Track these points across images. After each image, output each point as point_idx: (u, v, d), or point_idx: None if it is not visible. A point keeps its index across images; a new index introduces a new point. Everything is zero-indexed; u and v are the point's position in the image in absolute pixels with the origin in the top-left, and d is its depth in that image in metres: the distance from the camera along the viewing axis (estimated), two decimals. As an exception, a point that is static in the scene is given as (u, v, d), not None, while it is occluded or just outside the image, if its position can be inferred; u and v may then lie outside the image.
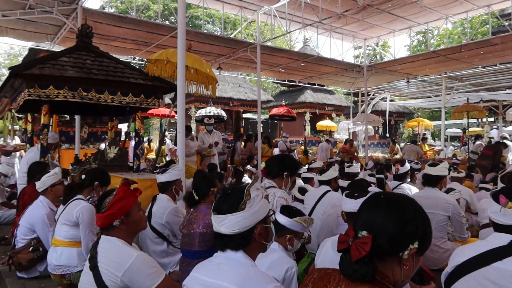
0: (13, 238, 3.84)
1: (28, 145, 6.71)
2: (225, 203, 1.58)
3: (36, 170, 4.62)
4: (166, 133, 13.40)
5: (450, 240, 3.84)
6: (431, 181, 3.86)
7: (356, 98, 20.71)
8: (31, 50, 13.39)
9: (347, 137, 18.96)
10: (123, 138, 12.22)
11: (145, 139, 13.41)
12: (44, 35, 10.38)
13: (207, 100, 15.84)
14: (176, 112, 4.99)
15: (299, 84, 20.04)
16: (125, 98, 5.44)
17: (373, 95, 20.25)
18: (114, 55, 6.11)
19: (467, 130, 16.14)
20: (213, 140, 9.11)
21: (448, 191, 4.13)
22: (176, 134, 5.43)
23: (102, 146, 10.78)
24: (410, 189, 4.58)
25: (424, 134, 18.34)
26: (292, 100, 21.35)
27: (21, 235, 3.68)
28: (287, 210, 2.43)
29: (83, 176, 3.57)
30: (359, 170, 5.73)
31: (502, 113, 20.10)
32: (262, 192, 1.67)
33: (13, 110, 10.33)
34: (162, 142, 8.99)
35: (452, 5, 10.62)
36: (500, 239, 1.62)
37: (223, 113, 14.95)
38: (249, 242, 1.59)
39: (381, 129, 23.53)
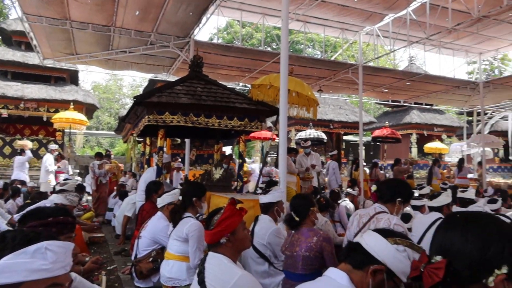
0: (133, 249, 4.25)
1: (146, 166, 7.44)
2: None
3: (152, 189, 5.11)
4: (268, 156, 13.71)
5: None
6: None
7: (470, 118, 18.92)
8: (150, 81, 15.05)
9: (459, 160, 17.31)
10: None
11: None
12: (161, 67, 11.58)
13: (307, 122, 15.91)
14: (277, 135, 5.10)
15: (404, 104, 19.06)
16: (231, 122, 5.73)
17: (491, 114, 18.30)
18: (221, 82, 6.52)
19: None
20: (311, 163, 9.07)
21: None
22: (277, 156, 5.53)
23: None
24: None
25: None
26: (396, 121, 20.35)
27: (143, 246, 4.04)
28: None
29: (180, 198, 3.78)
30: (474, 196, 5.18)
31: None
32: None
33: (134, 135, 11.60)
34: (264, 164, 9.22)
35: None
36: None
37: (323, 135, 14.84)
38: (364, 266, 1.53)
39: (502, 152, 21.03)
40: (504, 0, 8.02)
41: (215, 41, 10.39)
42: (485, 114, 16.92)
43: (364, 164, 11.29)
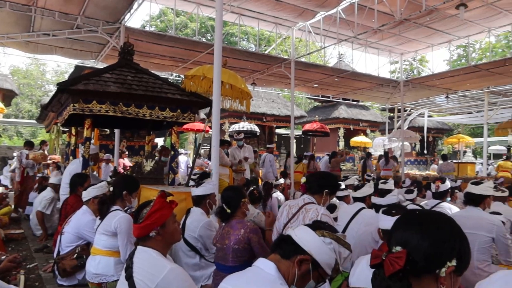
0: (56, 246, 4.00)
1: (71, 157, 7.01)
2: None
3: (77, 182, 4.83)
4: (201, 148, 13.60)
5: (495, 263, 3.64)
6: (473, 200, 3.69)
7: (392, 114, 20.31)
8: (76, 67, 14.13)
9: (382, 153, 18.56)
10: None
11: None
12: (89, 53, 10.93)
13: (240, 115, 16.03)
14: (210, 127, 5.09)
15: (333, 100, 19.91)
16: (163, 113, 5.60)
17: (410, 110, 19.79)
18: (153, 72, 6.32)
19: (511, 148, 15.40)
20: (244, 155, 9.17)
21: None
22: (210, 148, 5.51)
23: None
24: (450, 208, 4.40)
25: (465, 151, 17.67)
26: (325, 115, 21.22)
27: (66, 242, 3.81)
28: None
29: (111, 189, 3.66)
30: (393, 187, 5.59)
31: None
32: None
33: (58, 124, 10.84)
34: (197, 156, 9.15)
35: (495, 18, 10.30)
36: None
37: (256, 128, 15.05)
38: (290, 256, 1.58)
39: (418, 146, 22.87)
40: (423, 5, 8.69)
41: (147, 28, 10.01)
42: (405, 110, 18.25)
43: (295, 156, 11.66)
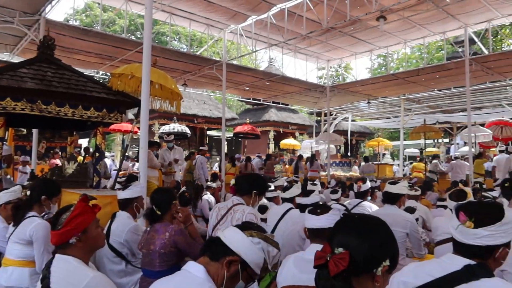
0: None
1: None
2: None
3: (-13, 186, 4.40)
4: (129, 149, 13.10)
5: (409, 256, 3.95)
6: (390, 199, 3.97)
7: (319, 118, 21.17)
8: (-13, 60, 12.87)
9: (310, 155, 19.31)
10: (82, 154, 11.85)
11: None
12: (3, 45, 10.03)
13: (171, 116, 15.71)
14: (139, 128, 4.92)
15: (264, 103, 20.30)
16: (87, 112, 5.30)
17: (335, 115, 20.79)
18: (77, 69, 5.96)
19: (424, 150, 16.84)
20: (174, 157, 9.01)
21: (411, 210, 4.27)
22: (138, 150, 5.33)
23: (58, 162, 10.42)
24: (370, 206, 4.69)
25: (384, 154, 18.98)
26: (256, 118, 21.55)
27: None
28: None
29: (28, 192, 3.39)
30: (320, 188, 5.84)
31: (456, 134, 21.19)
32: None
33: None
34: (124, 158, 8.80)
35: (410, 31, 11.22)
36: (454, 262, 1.60)
37: (187, 130, 14.85)
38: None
39: (343, 148, 24.11)
40: (347, 15, 9.20)
41: (71, 22, 9.38)
42: (331, 115, 19.13)
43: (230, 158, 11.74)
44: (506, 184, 4.29)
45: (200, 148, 12.11)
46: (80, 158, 9.34)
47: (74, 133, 6.96)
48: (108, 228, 3.36)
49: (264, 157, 13.94)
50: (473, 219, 1.58)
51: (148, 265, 2.86)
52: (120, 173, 7.78)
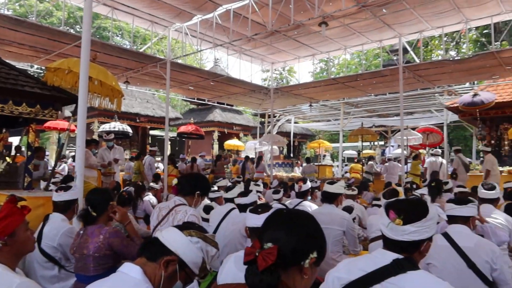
0: None
1: None
2: None
3: None
4: (66, 149, 12.43)
5: (346, 253, 4.13)
6: (329, 198, 4.13)
7: (263, 119, 21.45)
8: None
9: (255, 156, 19.51)
10: (13, 152, 11.03)
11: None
12: None
13: (111, 114, 15.13)
14: (76, 126, 4.69)
15: (209, 103, 20.17)
16: (18, 108, 4.96)
17: (279, 116, 21.17)
18: (8, 61, 5.55)
19: (361, 152, 17.67)
20: (114, 157, 8.70)
21: (349, 209, 4.47)
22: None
23: None
24: (310, 206, 4.84)
25: (324, 155, 19.64)
26: (201, 118, 21.38)
27: None
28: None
29: None
30: (262, 189, 5.92)
31: (391, 137, 22.47)
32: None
33: None
34: (59, 157, 8.34)
35: (350, 38, 11.72)
36: (384, 257, 1.71)
37: (129, 129, 14.39)
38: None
39: (285, 150, 24.61)
40: (291, 19, 9.42)
41: (2, 11, 8.69)
42: (274, 116, 19.48)
43: (176, 159, 11.53)
44: (432, 184, 4.65)
45: (150, 148, 11.83)
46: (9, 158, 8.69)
47: (4, 130, 6.47)
48: (40, 231, 3.18)
49: (208, 158, 13.91)
50: (402, 217, 1.71)
51: (81, 269, 2.74)
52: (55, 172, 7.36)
